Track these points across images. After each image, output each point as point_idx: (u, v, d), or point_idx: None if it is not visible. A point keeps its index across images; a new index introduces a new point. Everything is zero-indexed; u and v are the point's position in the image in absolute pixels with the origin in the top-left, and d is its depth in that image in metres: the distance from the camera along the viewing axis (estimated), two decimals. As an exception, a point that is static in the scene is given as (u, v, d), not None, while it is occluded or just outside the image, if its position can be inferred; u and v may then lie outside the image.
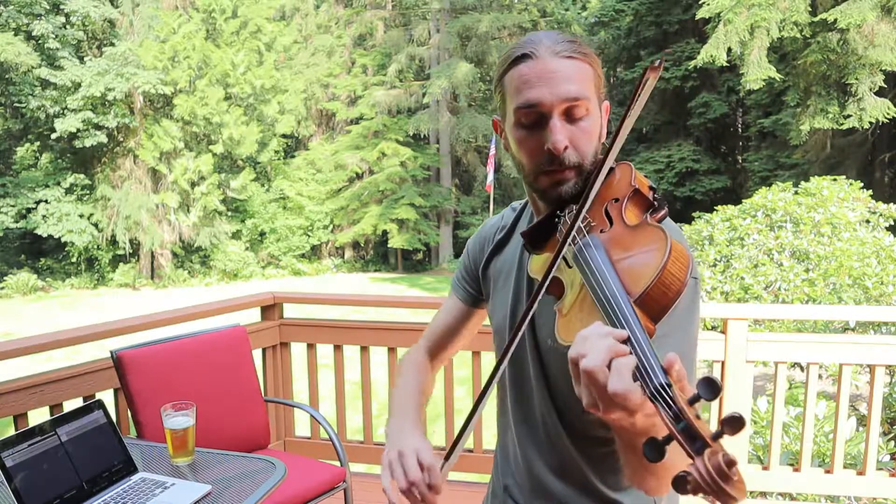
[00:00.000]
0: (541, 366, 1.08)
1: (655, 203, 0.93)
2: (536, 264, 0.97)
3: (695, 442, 0.57)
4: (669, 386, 0.61)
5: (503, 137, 1.05)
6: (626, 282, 0.77)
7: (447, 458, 1.00)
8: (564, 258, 0.89)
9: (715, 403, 2.76)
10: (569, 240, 0.88)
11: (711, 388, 0.57)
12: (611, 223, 0.89)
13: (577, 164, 0.97)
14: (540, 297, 0.88)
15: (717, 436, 0.56)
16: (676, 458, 0.60)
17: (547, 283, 0.88)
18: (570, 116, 0.96)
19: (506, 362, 0.93)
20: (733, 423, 0.55)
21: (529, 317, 0.89)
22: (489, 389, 0.92)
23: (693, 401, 0.59)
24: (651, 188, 0.94)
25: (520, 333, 0.89)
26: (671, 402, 0.60)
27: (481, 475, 3.30)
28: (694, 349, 0.95)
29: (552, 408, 1.07)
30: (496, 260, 1.19)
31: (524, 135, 0.98)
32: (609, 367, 0.65)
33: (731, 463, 0.55)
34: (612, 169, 0.99)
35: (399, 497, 0.99)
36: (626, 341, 0.68)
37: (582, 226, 0.90)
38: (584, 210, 0.89)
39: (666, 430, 0.59)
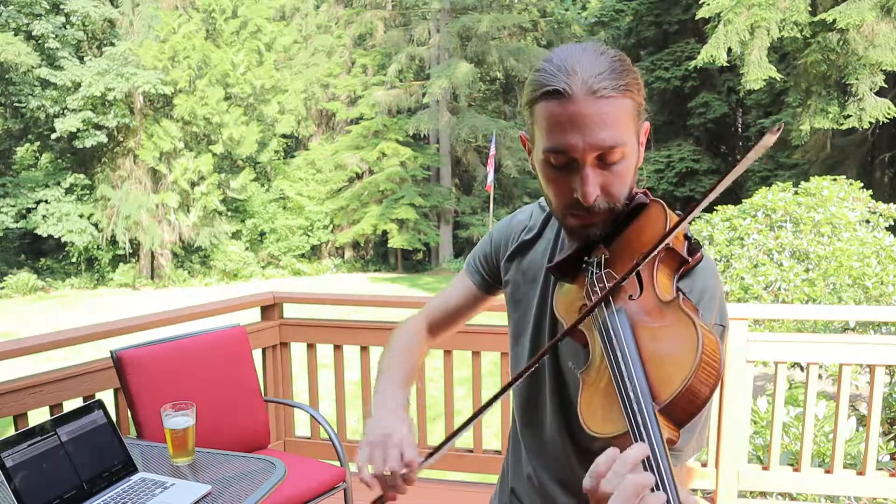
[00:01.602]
0: (558, 386, 1.05)
1: (688, 258, 0.89)
2: (562, 303, 0.95)
3: None
4: None
5: (530, 156, 1.00)
6: (653, 382, 0.73)
7: (428, 457, 0.99)
8: (581, 309, 0.87)
9: (715, 403, 2.77)
10: (595, 308, 0.84)
11: None
12: (641, 288, 0.85)
13: (607, 209, 0.92)
14: (554, 344, 0.88)
15: None
16: None
17: (563, 337, 0.87)
18: (603, 161, 0.90)
19: (511, 389, 0.92)
20: None
21: (544, 357, 0.89)
22: (491, 404, 0.91)
23: None
24: (686, 237, 0.90)
25: (530, 369, 0.89)
26: None
27: (482, 475, 3.30)
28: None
29: (564, 429, 1.05)
30: (519, 261, 1.14)
31: (553, 175, 0.93)
32: None
33: None
34: (644, 205, 0.94)
35: (370, 479, 0.98)
36: (652, 470, 0.65)
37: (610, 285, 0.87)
38: (619, 284, 0.84)
39: None
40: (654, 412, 0.69)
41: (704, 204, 0.78)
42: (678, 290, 0.86)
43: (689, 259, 0.89)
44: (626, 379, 0.73)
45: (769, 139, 0.71)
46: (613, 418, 0.73)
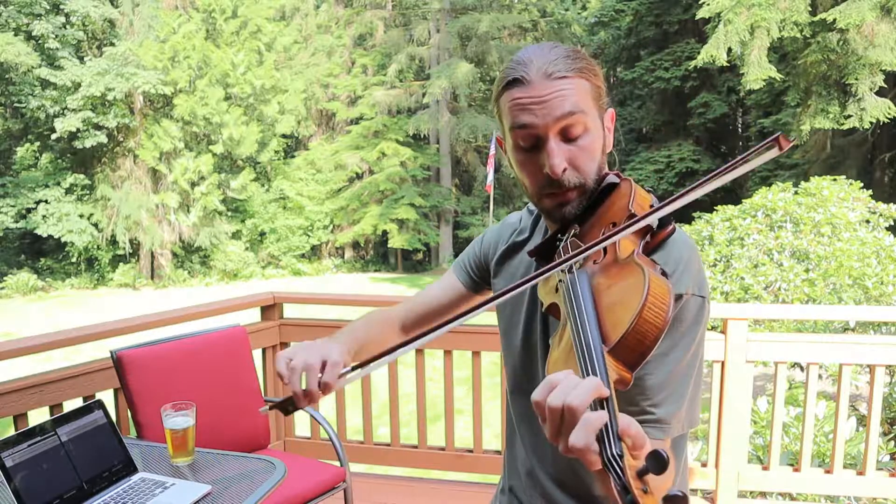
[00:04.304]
0: None
1: (655, 224, 0.91)
2: (542, 285, 0.97)
3: None
4: (621, 456, 0.61)
5: (506, 154, 1.05)
6: (604, 327, 0.77)
7: (356, 367, 0.96)
8: (558, 288, 0.89)
9: (715, 403, 2.77)
10: (556, 270, 0.87)
11: (659, 463, 0.58)
12: (605, 253, 0.89)
13: (578, 184, 0.96)
14: (515, 292, 0.87)
15: None
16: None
17: (524, 287, 0.87)
18: (567, 136, 0.95)
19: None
20: (675, 502, 0.56)
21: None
22: (432, 332, 0.89)
23: (641, 473, 0.60)
24: (653, 207, 0.92)
25: (476, 311, 0.88)
26: (621, 474, 0.60)
27: (482, 475, 3.30)
28: (691, 368, 0.93)
29: None
30: (509, 263, 1.17)
31: (523, 157, 0.98)
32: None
33: None
34: (615, 185, 0.98)
35: (288, 376, 0.96)
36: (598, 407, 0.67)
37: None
38: (582, 256, 0.87)
39: (615, 499, 0.60)
40: (603, 353, 0.73)
41: (685, 200, 0.80)
42: (644, 254, 0.89)
43: (653, 225, 0.91)
44: (580, 329, 0.77)
45: (777, 147, 0.72)
46: (569, 368, 0.76)
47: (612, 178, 0.99)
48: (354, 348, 1.08)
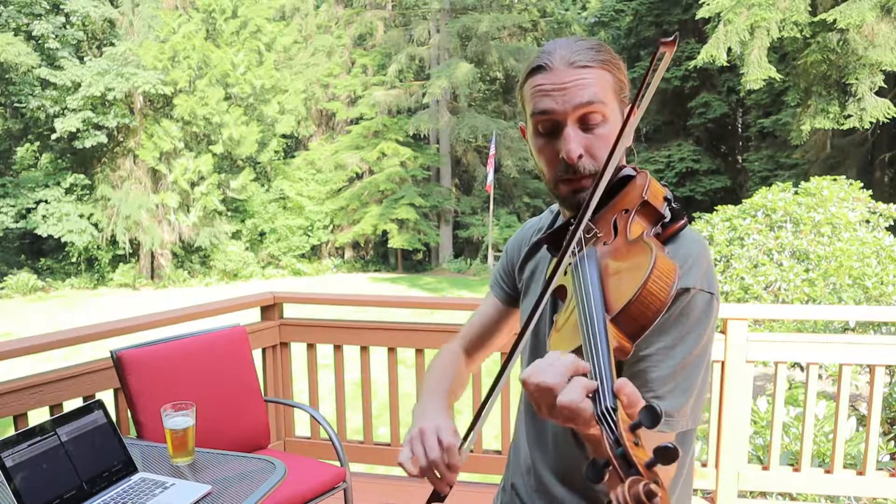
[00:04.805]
0: None
1: (667, 215, 0.93)
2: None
3: (630, 468, 0.58)
4: (615, 410, 0.63)
5: (528, 143, 1.07)
6: (608, 296, 0.79)
7: (465, 438, 1.00)
8: (566, 270, 0.91)
9: (715, 403, 2.77)
10: (569, 251, 0.89)
11: (653, 417, 0.59)
12: (615, 235, 0.91)
13: (593, 171, 0.97)
14: (543, 304, 0.90)
15: (650, 464, 0.58)
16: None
17: (548, 293, 0.90)
18: (585, 124, 0.96)
19: (511, 366, 0.93)
20: (666, 454, 0.57)
21: (535, 320, 0.91)
22: (500, 382, 0.93)
23: (634, 427, 0.61)
24: (666, 199, 0.94)
25: (525, 335, 0.91)
26: (613, 427, 0.62)
27: (483, 475, 3.30)
28: (699, 364, 0.92)
29: None
30: (531, 261, 1.19)
31: (542, 143, 1.00)
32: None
33: (650, 493, 0.56)
34: (632, 177, 0.99)
35: (417, 473, 0.99)
36: (592, 366, 0.70)
37: (587, 236, 0.93)
38: (585, 220, 0.90)
39: (607, 452, 0.61)
40: (605, 321, 0.75)
41: (625, 138, 0.89)
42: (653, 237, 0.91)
43: (665, 216, 0.93)
44: (585, 298, 0.79)
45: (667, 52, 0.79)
46: (571, 338, 0.79)
47: (628, 171, 1.01)
48: (449, 403, 1.14)
